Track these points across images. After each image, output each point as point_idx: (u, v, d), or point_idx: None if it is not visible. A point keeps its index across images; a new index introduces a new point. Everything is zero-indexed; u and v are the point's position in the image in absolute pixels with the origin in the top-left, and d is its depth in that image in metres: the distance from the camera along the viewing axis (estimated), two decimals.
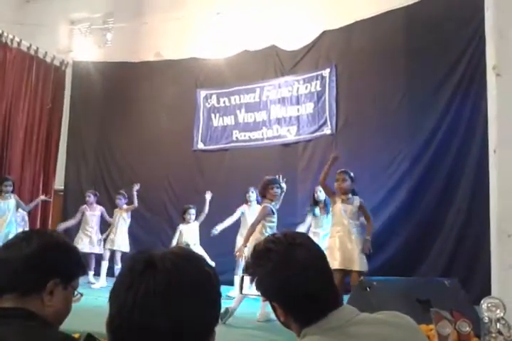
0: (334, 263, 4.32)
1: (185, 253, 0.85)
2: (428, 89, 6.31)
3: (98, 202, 7.33)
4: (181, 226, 6.71)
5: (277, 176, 5.05)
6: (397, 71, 6.60)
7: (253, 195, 6.20)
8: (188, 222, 6.72)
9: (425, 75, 6.33)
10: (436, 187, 6.09)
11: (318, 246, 1.27)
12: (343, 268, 4.39)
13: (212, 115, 8.44)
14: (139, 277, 0.78)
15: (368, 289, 3.59)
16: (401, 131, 6.46)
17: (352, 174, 4.66)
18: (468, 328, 2.81)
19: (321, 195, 5.67)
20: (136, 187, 7.12)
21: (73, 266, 1.30)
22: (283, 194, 4.99)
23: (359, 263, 4.42)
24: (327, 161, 4.59)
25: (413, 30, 6.50)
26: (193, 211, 6.72)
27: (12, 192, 6.41)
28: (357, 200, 4.62)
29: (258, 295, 1.31)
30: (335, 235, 4.57)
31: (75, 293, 1.30)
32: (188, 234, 6.64)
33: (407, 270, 5.48)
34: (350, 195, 4.64)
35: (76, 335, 1.32)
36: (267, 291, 1.22)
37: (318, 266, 1.21)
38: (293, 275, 1.16)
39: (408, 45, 6.52)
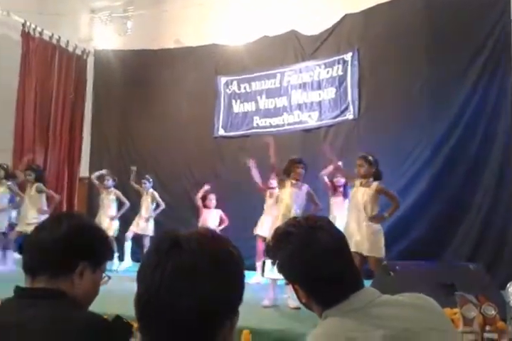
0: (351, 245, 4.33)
1: (210, 234, 0.86)
2: (452, 74, 6.19)
3: (115, 187, 7.42)
4: (204, 212, 6.75)
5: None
6: (419, 55, 6.48)
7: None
8: (209, 208, 6.76)
9: (449, 59, 6.20)
10: (460, 173, 5.99)
11: (338, 229, 1.28)
12: (356, 250, 4.38)
13: (233, 101, 8.41)
14: (165, 256, 0.79)
15: (391, 273, 3.57)
16: (424, 115, 6.35)
17: (371, 158, 4.60)
18: (493, 312, 2.76)
19: (340, 179, 5.72)
20: (134, 168, 7.38)
21: (102, 249, 1.33)
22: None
23: (370, 248, 4.40)
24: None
25: (436, 13, 6.36)
26: (213, 196, 6.75)
27: (38, 180, 6.46)
28: (374, 185, 4.57)
29: (280, 279, 1.32)
30: (350, 219, 4.61)
31: (103, 275, 1.33)
32: (210, 220, 6.68)
33: (431, 255, 5.41)
34: (370, 179, 4.59)
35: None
36: (289, 274, 1.23)
37: (339, 248, 1.22)
38: (314, 257, 1.17)
39: (431, 28, 6.39)
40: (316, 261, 1.17)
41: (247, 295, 0.88)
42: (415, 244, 5.86)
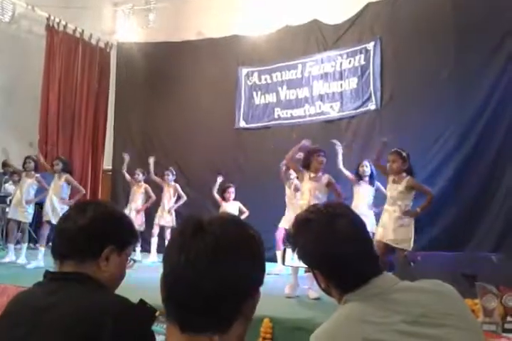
0: (377, 235, 4.42)
1: (231, 218, 0.90)
2: (478, 62, 6.05)
3: (145, 181, 7.48)
4: (223, 205, 6.77)
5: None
6: (443, 43, 6.34)
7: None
8: (228, 200, 6.77)
9: (474, 48, 6.06)
10: (485, 164, 5.88)
11: (358, 215, 1.29)
12: (380, 239, 4.40)
13: (254, 93, 8.39)
14: (190, 239, 0.83)
15: (411, 264, 3.53)
16: (448, 105, 6.23)
17: (404, 154, 4.55)
18: None
19: (367, 170, 5.65)
20: (151, 160, 7.37)
21: (126, 233, 1.38)
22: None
23: (398, 240, 4.39)
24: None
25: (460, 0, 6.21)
26: (231, 189, 6.77)
27: (65, 171, 6.52)
28: (405, 180, 4.53)
29: (300, 267, 1.35)
30: (385, 211, 4.65)
31: (129, 259, 1.38)
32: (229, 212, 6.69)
33: (455, 245, 5.33)
34: (403, 175, 4.56)
35: None
36: (309, 260, 1.25)
37: (359, 234, 1.23)
38: (334, 243, 1.19)
39: (455, 16, 6.25)
40: (335, 247, 1.18)
41: (268, 285, 0.91)
42: (439, 234, 5.79)
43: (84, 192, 6.92)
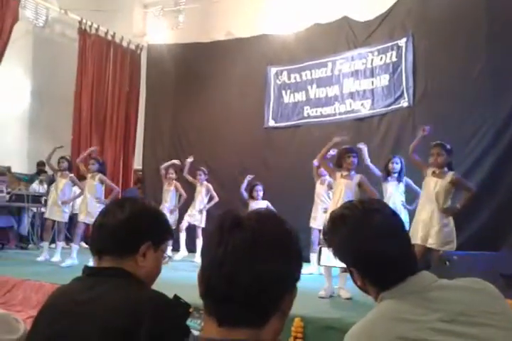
0: (415, 237, 4.21)
1: (268, 213, 0.90)
2: (510, 58, 5.86)
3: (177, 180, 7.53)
4: (251, 204, 6.76)
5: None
6: (477, 38, 6.19)
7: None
8: (256, 199, 6.75)
9: (507, 43, 5.88)
10: None
11: (395, 212, 1.27)
12: (421, 243, 4.22)
13: (283, 92, 8.36)
14: (228, 234, 0.84)
15: (447, 263, 3.45)
16: (483, 101, 6.07)
17: (448, 146, 4.37)
18: None
19: (396, 166, 5.42)
20: (189, 160, 7.36)
21: (162, 230, 1.40)
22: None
23: (435, 240, 4.24)
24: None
25: None
26: (259, 188, 6.75)
27: (99, 171, 6.60)
28: (449, 175, 4.36)
29: (336, 266, 1.32)
30: (422, 209, 4.45)
31: (164, 255, 1.40)
32: None
33: (492, 245, 5.17)
34: (445, 169, 4.39)
35: None
36: (344, 256, 1.23)
37: (395, 231, 1.21)
38: (369, 239, 1.16)
39: (487, 11, 6.09)
40: (371, 243, 1.16)
41: (299, 284, 0.89)
42: (475, 233, 5.62)
43: (118, 190, 7.04)
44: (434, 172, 4.40)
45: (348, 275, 4.50)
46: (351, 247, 1.19)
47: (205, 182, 7.31)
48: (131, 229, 1.31)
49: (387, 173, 5.48)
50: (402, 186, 5.47)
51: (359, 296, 4.29)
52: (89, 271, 1.32)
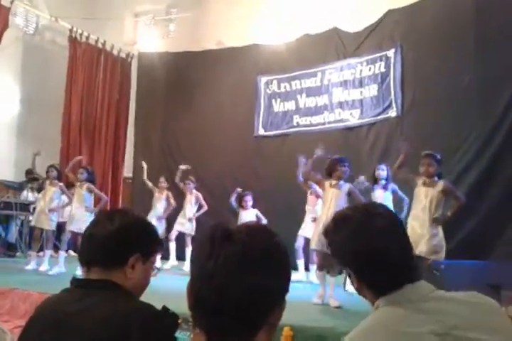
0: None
1: (258, 227, 0.92)
2: (499, 66, 5.96)
3: (167, 188, 7.52)
4: (241, 212, 6.77)
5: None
6: (465, 49, 6.28)
7: None
8: (246, 208, 6.76)
9: (496, 51, 5.97)
10: (508, 171, 5.76)
11: (398, 218, 1.26)
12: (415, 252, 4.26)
13: (273, 101, 8.42)
14: (218, 247, 0.84)
15: (435, 272, 3.47)
16: (470, 111, 6.15)
17: (439, 157, 4.41)
18: None
19: (383, 173, 5.49)
20: (182, 167, 7.30)
21: (152, 242, 1.40)
22: None
23: (424, 248, 4.25)
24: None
25: (483, 4, 6.14)
26: (249, 198, 6.77)
27: (88, 180, 6.57)
28: (440, 184, 4.39)
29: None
30: (413, 218, 4.47)
31: (153, 267, 1.40)
32: (247, 220, 6.69)
33: (479, 255, 5.21)
34: (435, 179, 4.43)
35: None
36: (342, 257, 1.22)
37: (397, 236, 1.19)
38: (370, 241, 1.15)
39: (477, 21, 6.18)
40: (371, 245, 1.14)
41: (288, 292, 0.90)
42: (462, 243, 5.67)
43: (107, 199, 7.00)
44: (424, 182, 4.43)
45: (336, 283, 4.54)
46: (350, 247, 1.17)
47: (194, 191, 7.31)
48: (121, 240, 1.30)
49: (375, 181, 5.54)
50: (389, 194, 5.51)
51: (350, 305, 4.32)
52: (78, 283, 1.32)
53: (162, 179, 7.43)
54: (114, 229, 1.31)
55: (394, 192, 5.54)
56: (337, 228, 1.23)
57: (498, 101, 5.95)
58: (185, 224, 7.16)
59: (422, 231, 4.32)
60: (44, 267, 6.31)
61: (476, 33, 6.20)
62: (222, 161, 8.48)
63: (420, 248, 4.27)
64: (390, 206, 5.40)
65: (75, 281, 1.32)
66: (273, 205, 7.14)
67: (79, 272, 1.19)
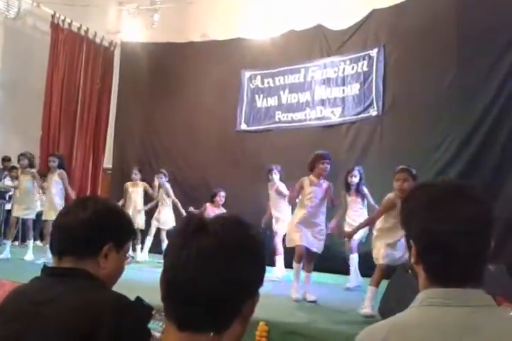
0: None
1: (234, 218, 0.90)
2: (480, 70, 6.05)
3: (142, 179, 7.44)
4: (208, 209, 6.63)
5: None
6: (447, 51, 6.36)
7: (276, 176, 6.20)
8: (218, 205, 6.67)
9: (478, 55, 6.06)
10: (485, 172, 5.86)
11: (492, 208, 1.07)
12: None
13: (256, 96, 8.41)
14: (192, 238, 0.83)
15: (409, 271, 3.52)
16: (450, 114, 6.24)
17: (414, 171, 4.11)
18: None
19: (355, 179, 5.45)
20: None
21: (125, 230, 1.38)
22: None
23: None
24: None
25: (465, 8, 6.22)
26: (222, 194, 6.68)
27: (60, 168, 6.51)
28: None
29: None
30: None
31: (127, 256, 1.39)
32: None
33: None
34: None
35: None
36: (410, 226, 1.07)
37: (480, 225, 1.02)
38: (442, 219, 1.00)
39: (460, 24, 6.26)
40: (445, 225, 0.99)
41: (264, 289, 0.90)
42: None
43: (74, 195, 6.66)
44: (400, 198, 4.37)
45: (312, 277, 4.55)
46: (428, 226, 1.02)
47: (166, 184, 7.14)
48: (94, 227, 1.28)
49: (347, 187, 5.50)
50: (360, 200, 5.50)
51: (324, 300, 4.36)
52: (49, 271, 1.29)
53: (135, 170, 7.31)
54: (86, 218, 1.28)
55: (364, 196, 5.51)
56: (415, 194, 1.09)
57: (478, 103, 6.03)
58: (161, 219, 7.10)
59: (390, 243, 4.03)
60: (29, 256, 6.26)
61: (458, 36, 6.28)
62: (203, 154, 8.45)
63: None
64: (364, 212, 5.46)
65: (46, 270, 1.30)
66: (252, 199, 7.12)
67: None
